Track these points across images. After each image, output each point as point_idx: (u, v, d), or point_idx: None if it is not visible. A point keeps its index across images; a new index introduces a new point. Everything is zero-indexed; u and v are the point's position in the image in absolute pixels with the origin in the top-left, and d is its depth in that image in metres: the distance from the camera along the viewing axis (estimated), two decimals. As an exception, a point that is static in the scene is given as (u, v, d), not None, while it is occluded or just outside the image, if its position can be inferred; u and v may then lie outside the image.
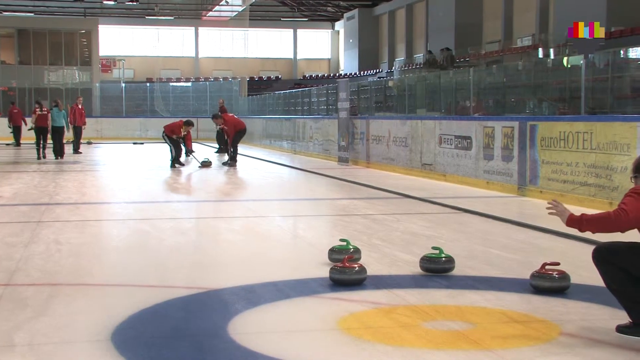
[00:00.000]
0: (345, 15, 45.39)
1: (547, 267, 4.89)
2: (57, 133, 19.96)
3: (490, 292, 4.98)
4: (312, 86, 31.16)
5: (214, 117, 17.45)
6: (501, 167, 11.02)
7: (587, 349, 3.79)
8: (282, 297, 4.86)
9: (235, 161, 16.60)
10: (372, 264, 5.66)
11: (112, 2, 42.23)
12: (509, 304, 4.65)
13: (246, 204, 10.79)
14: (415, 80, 17.25)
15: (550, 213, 4.01)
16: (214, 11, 43.09)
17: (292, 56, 49.62)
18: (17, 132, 26.54)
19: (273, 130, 25.44)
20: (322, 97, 22.58)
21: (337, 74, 44.08)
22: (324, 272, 5.32)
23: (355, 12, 43.70)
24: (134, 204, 10.45)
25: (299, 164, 17.25)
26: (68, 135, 21.71)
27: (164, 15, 45.17)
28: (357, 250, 5.78)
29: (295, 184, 13.59)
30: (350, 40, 44.53)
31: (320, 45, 49.86)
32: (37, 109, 20.26)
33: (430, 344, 3.88)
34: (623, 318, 3.96)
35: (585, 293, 4.78)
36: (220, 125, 17.17)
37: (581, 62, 10.74)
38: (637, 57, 12.22)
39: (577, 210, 4.22)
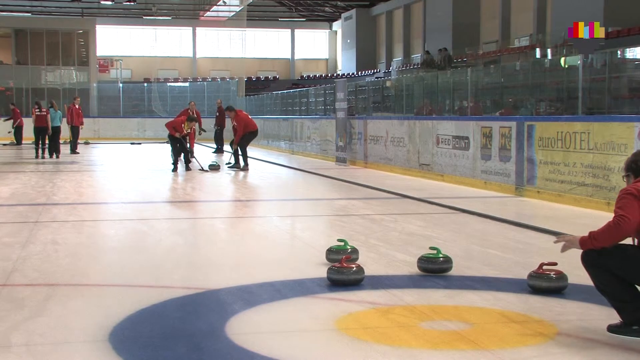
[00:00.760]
0: (343, 15, 45.38)
1: (544, 267, 4.90)
2: (54, 133, 20.37)
3: (487, 292, 4.98)
4: (309, 86, 31.16)
5: (227, 109, 16.18)
6: (499, 167, 11.02)
7: (584, 348, 3.79)
8: (280, 297, 4.86)
9: (247, 164, 15.43)
10: (370, 264, 5.66)
11: (109, 2, 42.16)
12: (506, 304, 4.65)
13: (243, 204, 10.79)
14: (412, 81, 17.26)
15: (563, 250, 4.00)
16: (212, 11, 43.04)
17: (289, 56, 49.60)
18: (18, 132, 27.01)
19: (271, 131, 25.44)
20: (319, 97, 22.59)
21: (335, 74, 44.07)
22: (322, 272, 5.32)
23: (352, 12, 43.70)
24: (131, 204, 10.44)
25: (297, 164, 17.24)
26: (65, 135, 21.85)
27: (161, 15, 45.12)
28: (354, 251, 5.78)
29: (293, 184, 13.58)
30: (348, 41, 44.53)
31: (318, 46, 49.85)
32: (36, 110, 20.50)
33: (428, 344, 3.88)
34: (619, 318, 3.96)
35: (583, 293, 4.78)
36: (232, 119, 15.68)
37: (578, 62, 10.76)
38: (634, 57, 12.25)
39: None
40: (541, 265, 4.91)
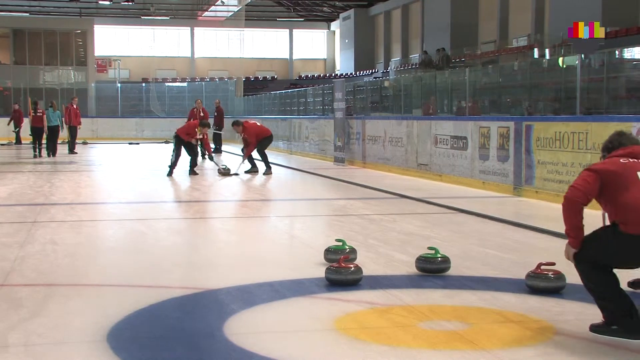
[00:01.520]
0: (341, 15, 45.39)
1: (542, 267, 4.90)
2: (52, 132, 20.71)
3: (486, 292, 4.98)
4: (308, 86, 31.15)
5: (234, 124, 14.96)
6: (497, 167, 11.03)
7: (582, 348, 3.80)
8: (278, 297, 4.86)
9: (270, 168, 14.45)
10: (368, 264, 5.66)
11: (107, 2, 42.14)
12: (504, 304, 4.65)
13: (242, 204, 10.79)
14: (411, 81, 17.26)
15: (573, 261, 4.00)
16: (210, 11, 43.07)
17: (288, 56, 49.60)
18: (18, 131, 27.42)
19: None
20: (318, 97, 22.59)
21: (333, 74, 44.08)
22: (320, 272, 5.32)
23: (351, 12, 43.72)
24: (130, 204, 10.43)
25: (295, 164, 17.24)
26: (63, 135, 21.91)
27: (159, 15, 45.11)
28: (353, 251, 5.78)
29: (291, 184, 13.58)
30: (346, 41, 44.54)
31: (316, 46, 49.85)
32: (32, 111, 20.85)
33: (426, 344, 3.89)
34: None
35: (581, 293, 4.77)
36: (240, 133, 14.62)
37: (576, 62, 10.76)
38: (632, 57, 12.25)
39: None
40: (539, 265, 4.92)
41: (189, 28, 47.87)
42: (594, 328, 3.97)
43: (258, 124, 15.21)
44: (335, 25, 47.88)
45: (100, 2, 41.83)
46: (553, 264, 4.92)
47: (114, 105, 38.04)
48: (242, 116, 26.73)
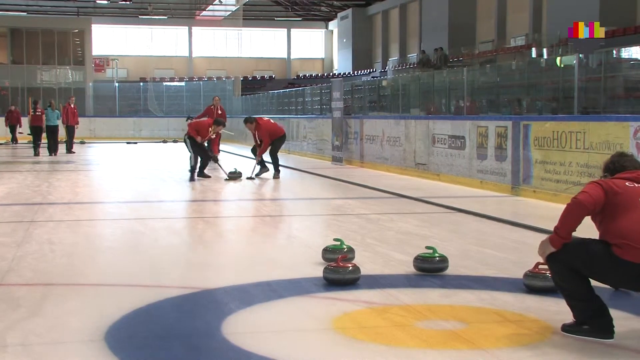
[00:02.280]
0: (339, 14, 45.40)
1: (540, 266, 4.90)
2: (51, 132, 21.03)
3: (483, 291, 4.99)
4: (305, 86, 31.16)
5: (246, 121, 13.71)
6: (495, 166, 11.04)
7: (579, 348, 3.80)
8: (276, 296, 4.86)
9: (279, 171, 13.57)
10: (366, 263, 5.66)
11: (105, 2, 42.11)
12: (502, 304, 4.65)
13: (239, 204, 10.78)
14: (408, 80, 17.26)
15: (543, 257, 3.99)
16: (208, 11, 42.99)
17: (285, 56, 49.59)
18: (13, 130, 27.80)
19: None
20: (315, 97, 22.58)
21: (331, 74, 44.07)
22: (318, 271, 5.32)
23: (348, 11, 43.73)
24: (128, 204, 10.42)
25: (293, 164, 17.23)
26: (60, 134, 21.99)
27: (157, 15, 45.07)
28: (350, 250, 5.78)
29: (289, 183, 13.56)
30: (344, 40, 44.54)
31: (314, 45, 49.85)
32: (31, 110, 21.44)
33: (424, 344, 3.89)
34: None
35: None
36: (252, 131, 13.56)
37: (574, 62, 10.77)
38: (630, 57, 12.26)
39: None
40: (537, 264, 4.92)
41: (186, 27, 47.86)
42: (566, 328, 3.97)
43: (272, 121, 14.26)
44: (333, 25, 47.88)
45: (97, 1, 41.79)
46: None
47: (111, 105, 38.03)
48: (241, 116, 26.72)
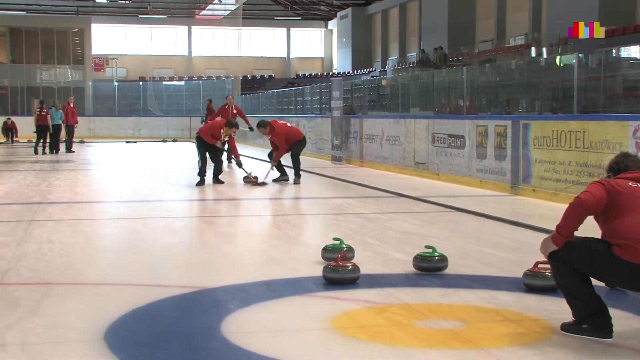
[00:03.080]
0: (339, 14, 45.40)
1: (539, 265, 4.90)
2: (54, 130, 21.59)
3: (483, 290, 4.99)
4: (305, 85, 31.17)
5: (259, 125, 12.56)
6: (494, 165, 11.04)
7: (579, 347, 3.80)
8: (275, 296, 4.86)
9: (299, 176, 12.60)
10: (366, 262, 5.66)
11: (104, 1, 42.10)
12: (502, 303, 4.65)
13: (239, 203, 10.78)
14: (408, 79, 17.26)
15: (545, 255, 3.99)
16: (207, 10, 43.02)
17: (285, 55, 49.58)
18: (9, 131, 28.48)
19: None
20: (315, 96, 22.57)
21: (331, 73, 44.07)
22: (317, 271, 5.32)
23: (348, 11, 43.72)
24: (127, 203, 10.42)
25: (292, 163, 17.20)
26: (61, 134, 22.14)
27: (156, 14, 45.05)
28: (350, 249, 5.77)
29: (289, 183, 13.56)
30: (344, 39, 44.54)
31: (314, 44, 49.84)
32: (37, 109, 21.77)
33: (424, 343, 3.89)
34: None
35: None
36: (267, 135, 12.55)
37: (574, 61, 10.77)
38: (629, 56, 12.26)
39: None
40: (536, 263, 4.92)
41: (186, 27, 47.84)
42: (565, 327, 3.98)
43: (288, 124, 13.21)
44: (332, 24, 47.88)
45: (97, 0, 41.75)
46: (550, 262, 4.92)
47: (111, 104, 38.02)
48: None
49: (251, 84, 42.60)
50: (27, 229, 7.59)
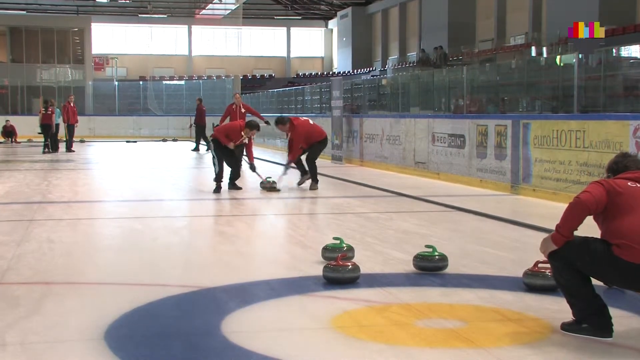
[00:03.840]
0: (339, 13, 45.39)
1: (540, 265, 4.90)
2: (55, 130, 22.09)
3: (483, 290, 4.99)
4: (305, 84, 31.17)
5: (278, 122, 11.59)
6: (494, 165, 11.03)
7: (579, 347, 3.80)
8: (275, 295, 4.86)
9: (317, 181, 11.61)
10: (366, 262, 5.66)
11: (104, 0, 42.07)
12: (502, 302, 4.65)
13: (239, 202, 10.77)
14: (408, 79, 17.26)
15: (546, 255, 3.99)
16: (207, 9, 43.04)
17: (285, 54, 49.58)
18: (10, 136, 28.75)
19: (266, 129, 25.33)
20: (315, 96, 22.58)
21: (331, 73, 44.08)
22: (317, 270, 5.31)
23: (348, 10, 43.72)
24: (127, 203, 10.42)
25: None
26: (61, 133, 22.18)
27: (157, 14, 45.07)
28: (350, 249, 5.77)
29: (288, 182, 13.56)
30: (344, 39, 44.53)
31: (314, 44, 49.84)
32: (42, 109, 22.13)
33: (424, 342, 3.88)
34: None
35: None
36: (286, 133, 11.60)
37: (574, 60, 10.77)
38: (629, 55, 12.26)
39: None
40: (537, 263, 4.92)
41: (186, 26, 47.84)
42: (565, 326, 3.98)
43: (310, 121, 12.00)
44: (332, 24, 47.88)
45: (97, -1, 41.80)
46: (550, 262, 4.92)
47: (111, 104, 38.01)
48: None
49: (251, 84, 42.59)
50: (27, 229, 7.59)
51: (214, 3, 40.42)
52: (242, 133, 10.91)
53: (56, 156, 20.17)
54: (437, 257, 5.48)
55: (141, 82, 39.93)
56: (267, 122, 14.89)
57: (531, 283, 4.88)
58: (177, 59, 48.06)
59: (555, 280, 4.05)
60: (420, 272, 5.45)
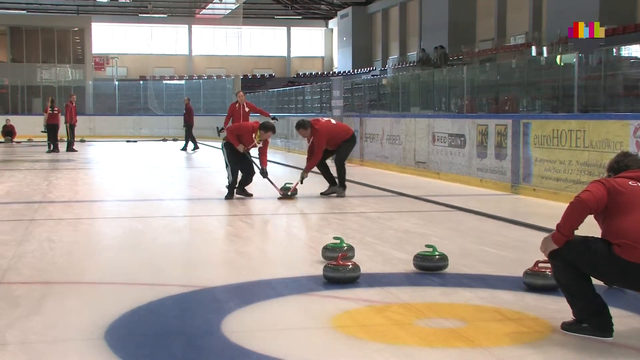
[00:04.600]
0: (339, 13, 45.38)
1: (540, 264, 4.90)
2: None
3: (483, 289, 4.99)
4: (305, 84, 31.17)
5: (298, 126, 10.42)
6: (494, 165, 11.04)
7: (579, 346, 3.80)
8: (276, 295, 4.86)
9: (344, 187, 10.60)
10: (366, 261, 5.66)
11: (105, 0, 42.04)
12: (502, 302, 4.65)
13: (239, 202, 10.76)
14: (408, 79, 17.26)
15: (546, 254, 3.99)
16: (208, 9, 43.01)
17: (285, 54, 49.57)
18: (7, 133, 28.78)
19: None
20: (315, 95, 22.59)
21: (331, 72, 44.06)
22: (318, 270, 5.32)
23: (348, 10, 43.71)
24: (127, 202, 10.42)
25: (293, 162, 17.21)
26: (62, 133, 22.22)
27: (157, 13, 45.04)
28: (350, 248, 5.77)
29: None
30: (344, 38, 44.52)
31: (314, 43, 49.83)
32: (49, 109, 22.43)
33: (424, 342, 3.89)
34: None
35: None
36: (308, 138, 10.44)
37: (574, 60, 10.77)
38: (630, 55, 12.26)
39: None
40: (537, 263, 4.92)
41: (186, 26, 47.83)
42: (565, 326, 3.98)
43: (333, 121, 11.09)
44: (333, 23, 47.87)
45: (97, -1, 41.78)
46: (550, 261, 4.92)
47: (111, 103, 38.00)
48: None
49: (251, 83, 42.59)
50: (28, 228, 7.59)
51: (214, 3, 40.39)
52: (254, 136, 9.94)
53: (56, 156, 20.17)
54: (437, 256, 5.48)
55: (141, 82, 39.93)
56: (274, 119, 14.07)
57: (531, 283, 4.88)
58: (177, 58, 48.05)
59: (556, 279, 4.05)
60: (421, 271, 5.45)
